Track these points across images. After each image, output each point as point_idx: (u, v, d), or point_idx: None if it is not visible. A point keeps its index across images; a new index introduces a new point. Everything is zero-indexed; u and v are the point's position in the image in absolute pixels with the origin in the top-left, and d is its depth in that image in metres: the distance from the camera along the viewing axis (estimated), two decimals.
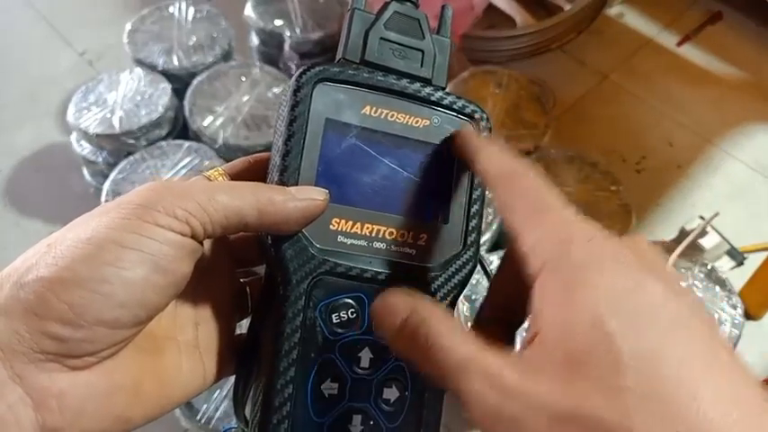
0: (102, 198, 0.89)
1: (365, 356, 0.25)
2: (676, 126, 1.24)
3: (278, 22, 1.10)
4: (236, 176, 0.28)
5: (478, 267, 0.28)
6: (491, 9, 1.27)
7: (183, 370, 0.26)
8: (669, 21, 1.39)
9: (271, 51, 1.14)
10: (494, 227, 0.89)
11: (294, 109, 0.25)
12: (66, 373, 0.21)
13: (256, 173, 0.27)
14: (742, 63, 1.32)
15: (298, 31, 1.09)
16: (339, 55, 0.28)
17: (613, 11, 1.41)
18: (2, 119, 1.21)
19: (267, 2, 1.12)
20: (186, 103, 0.99)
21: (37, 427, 0.20)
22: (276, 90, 1.02)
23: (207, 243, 0.25)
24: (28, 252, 0.22)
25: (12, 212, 1.09)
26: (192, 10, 1.11)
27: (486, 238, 0.88)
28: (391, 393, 0.26)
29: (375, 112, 0.26)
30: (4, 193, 1.11)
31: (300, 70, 0.26)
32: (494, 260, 0.85)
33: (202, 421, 0.73)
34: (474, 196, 0.28)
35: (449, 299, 0.27)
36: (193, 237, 0.23)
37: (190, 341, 0.26)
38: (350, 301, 0.26)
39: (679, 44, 1.35)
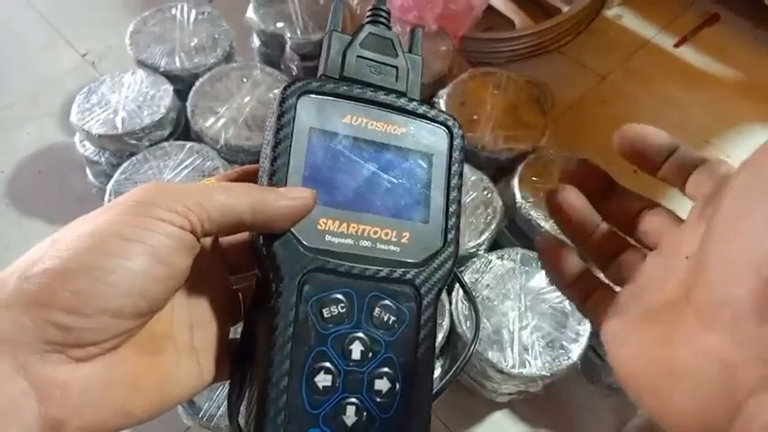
0: (105, 198, 0.90)
1: (356, 349, 0.27)
2: (674, 127, 1.25)
3: (279, 24, 1.10)
4: None
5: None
6: (490, 11, 1.28)
7: (181, 369, 0.26)
8: (667, 22, 1.40)
9: (272, 53, 1.15)
10: (492, 227, 0.90)
11: (280, 119, 0.27)
12: (69, 364, 0.21)
13: (247, 182, 0.29)
14: (739, 64, 1.33)
15: (299, 32, 1.10)
16: (320, 72, 0.30)
17: (611, 12, 1.42)
18: (4, 120, 1.21)
19: (268, 4, 1.13)
20: (188, 104, 0.99)
21: (40, 419, 0.20)
22: (277, 91, 1.02)
23: (203, 244, 0.26)
24: (33, 249, 0.23)
25: (14, 213, 1.10)
26: (193, 12, 1.11)
27: (485, 237, 0.88)
28: (382, 385, 0.27)
29: (355, 120, 0.29)
30: (7, 194, 1.12)
31: (285, 84, 0.28)
32: (492, 260, 0.86)
33: (204, 419, 0.73)
34: (451, 197, 0.29)
35: (433, 293, 0.29)
36: (192, 232, 0.24)
37: (186, 342, 0.27)
38: (339, 296, 0.27)
39: (677, 45, 1.36)
